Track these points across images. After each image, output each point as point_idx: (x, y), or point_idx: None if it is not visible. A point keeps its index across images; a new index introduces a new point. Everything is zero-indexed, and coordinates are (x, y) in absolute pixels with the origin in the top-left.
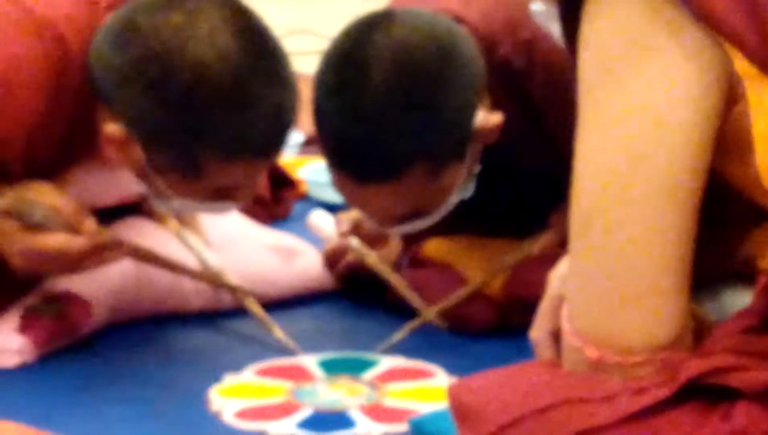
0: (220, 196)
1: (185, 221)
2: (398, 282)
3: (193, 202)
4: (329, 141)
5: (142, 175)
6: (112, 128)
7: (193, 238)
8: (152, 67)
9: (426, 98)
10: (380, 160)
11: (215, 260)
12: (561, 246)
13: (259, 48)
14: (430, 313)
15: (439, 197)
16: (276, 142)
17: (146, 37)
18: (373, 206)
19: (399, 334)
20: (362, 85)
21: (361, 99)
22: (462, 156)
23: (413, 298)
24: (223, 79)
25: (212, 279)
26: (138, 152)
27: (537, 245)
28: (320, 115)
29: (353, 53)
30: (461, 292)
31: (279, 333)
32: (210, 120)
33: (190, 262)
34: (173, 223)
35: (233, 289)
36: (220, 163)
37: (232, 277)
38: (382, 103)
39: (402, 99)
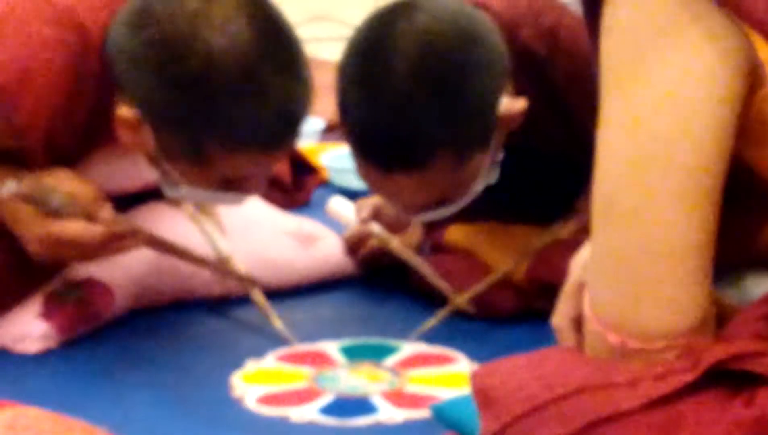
0: (229, 186)
1: (202, 206)
2: (426, 269)
3: (201, 190)
4: (354, 130)
5: (152, 159)
6: (124, 111)
7: (208, 224)
8: (163, 52)
9: (450, 86)
10: (405, 149)
11: (227, 247)
12: (585, 231)
13: (272, 38)
14: (461, 300)
15: (463, 185)
16: (284, 135)
17: (160, 22)
18: (397, 194)
19: (431, 322)
20: (387, 73)
21: (385, 87)
22: (486, 143)
23: (442, 285)
24: (232, 68)
25: (217, 267)
26: (149, 136)
27: (564, 230)
28: (345, 103)
29: (377, 42)
30: (490, 278)
31: (278, 323)
32: (217, 108)
33: (206, 248)
34: (188, 207)
35: (238, 277)
36: (226, 152)
37: (241, 265)
38: (406, 92)
39: (426, 87)
